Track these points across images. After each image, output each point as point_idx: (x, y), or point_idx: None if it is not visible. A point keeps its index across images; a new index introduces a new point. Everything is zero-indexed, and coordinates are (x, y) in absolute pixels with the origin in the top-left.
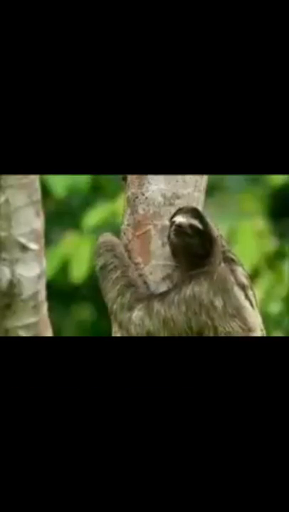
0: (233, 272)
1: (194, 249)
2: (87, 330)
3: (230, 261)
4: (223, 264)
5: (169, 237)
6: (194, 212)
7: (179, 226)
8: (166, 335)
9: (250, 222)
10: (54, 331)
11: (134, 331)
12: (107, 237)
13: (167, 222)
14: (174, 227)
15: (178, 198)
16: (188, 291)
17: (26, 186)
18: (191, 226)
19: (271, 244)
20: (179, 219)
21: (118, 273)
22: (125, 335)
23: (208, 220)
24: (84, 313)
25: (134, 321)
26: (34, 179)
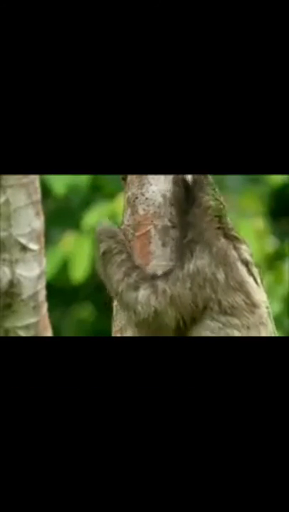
0: (236, 248)
1: (180, 202)
2: (87, 330)
3: (233, 238)
4: (223, 240)
5: None
6: (198, 173)
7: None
8: (173, 313)
9: (250, 222)
10: (54, 331)
11: (141, 311)
12: (106, 224)
13: (167, 223)
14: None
15: None
16: (191, 266)
17: (26, 186)
18: (183, 178)
19: (271, 244)
20: None
21: (123, 256)
22: (132, 316)
23: (208, 189)
24: (84, 313)
25: (141, 301)
26: (34, 179)
